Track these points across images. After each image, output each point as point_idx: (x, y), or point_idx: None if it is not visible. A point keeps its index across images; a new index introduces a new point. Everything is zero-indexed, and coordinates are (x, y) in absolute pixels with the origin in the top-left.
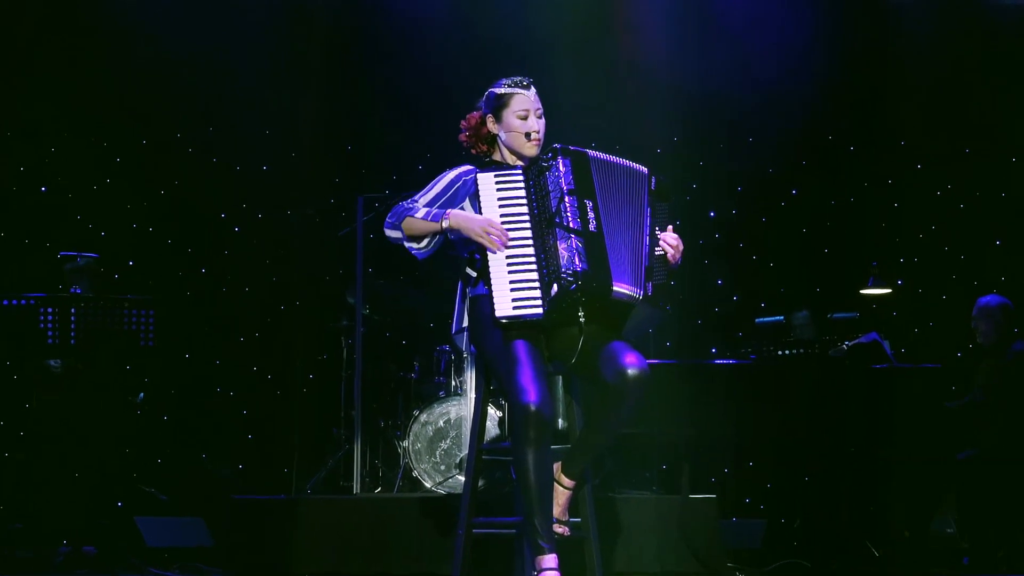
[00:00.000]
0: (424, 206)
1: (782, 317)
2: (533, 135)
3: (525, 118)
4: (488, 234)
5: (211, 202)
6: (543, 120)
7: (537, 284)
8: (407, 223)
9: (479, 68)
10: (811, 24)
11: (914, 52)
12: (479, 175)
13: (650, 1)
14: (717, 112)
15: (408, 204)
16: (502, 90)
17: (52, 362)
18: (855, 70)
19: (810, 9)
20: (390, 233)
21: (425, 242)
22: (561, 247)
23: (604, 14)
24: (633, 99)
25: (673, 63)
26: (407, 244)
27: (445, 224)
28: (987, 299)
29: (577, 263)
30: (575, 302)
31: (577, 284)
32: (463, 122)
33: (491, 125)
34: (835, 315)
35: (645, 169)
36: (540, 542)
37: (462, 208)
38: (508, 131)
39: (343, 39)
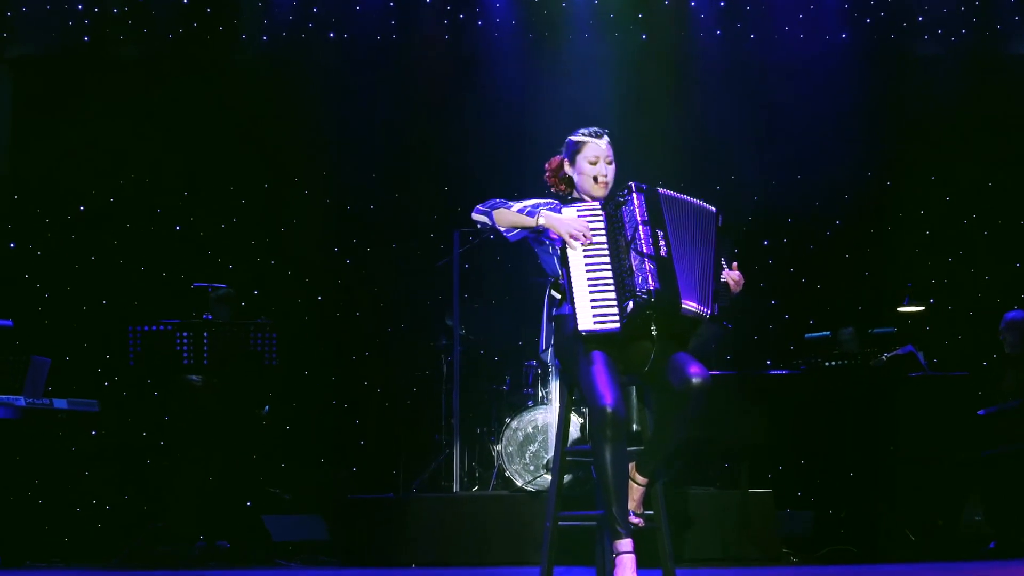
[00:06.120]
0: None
1: (829, 332)
2: (600, 178)
3: (595, 163)
4: (572, 234)
5: (325, 238)
6: (613, 166)
7: (615, 302)
8: (499, 213)
9: (560, 117)
10: (855, 75)
11: (944, 98)
12: (564, 209)
13: (710, 62)
14: (770, 155)
15: (502, 200)
16: (577, 138)
17: (193, 377)
18: (891, 114)
19: (854, 62)
20: (477, 217)
21: (515, 232)
22: (636, 269)
23: (669, 71)
24: (698, 146)
25: (732, 121)
26: (497, 227)
27: (541, 221)
28: (1013, 314)
29: (650, 283)
30: (648, 317)
31: (650, 301)
32: (547, 164)
33: (567, 168)
34: (875, 330)
35: (713, 208)
36: (618, 528)
37: None
38: (580, 174)
39: (440, 95)
